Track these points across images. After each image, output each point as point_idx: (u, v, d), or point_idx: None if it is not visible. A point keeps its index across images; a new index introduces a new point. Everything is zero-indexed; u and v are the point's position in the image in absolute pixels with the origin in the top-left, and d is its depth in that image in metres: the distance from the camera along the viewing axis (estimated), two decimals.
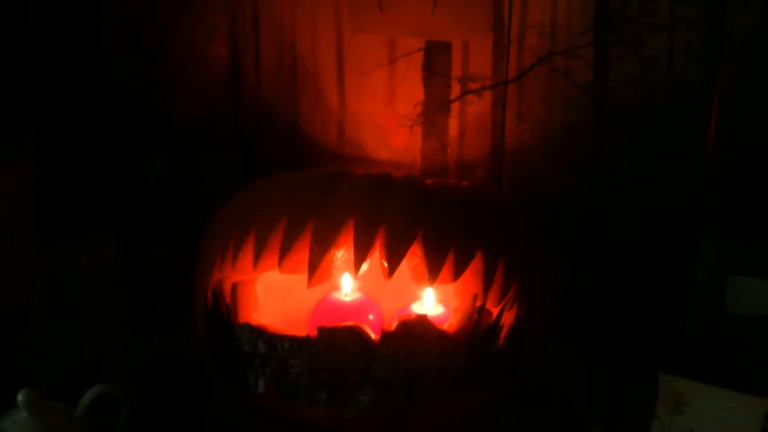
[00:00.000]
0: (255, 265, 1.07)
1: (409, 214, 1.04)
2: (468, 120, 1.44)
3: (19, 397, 0.96)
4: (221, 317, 1.11)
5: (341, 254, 1.07)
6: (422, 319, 1.01)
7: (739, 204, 1.32)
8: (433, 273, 1.02)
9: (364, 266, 1.04)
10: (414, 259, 1.03)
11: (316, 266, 1.04)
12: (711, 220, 1.33)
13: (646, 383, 1.12)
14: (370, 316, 1.17)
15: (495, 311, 1.05)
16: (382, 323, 1.13)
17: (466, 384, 1.05)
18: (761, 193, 1.30)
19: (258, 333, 1.05)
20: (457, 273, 1.03)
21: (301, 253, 1.05)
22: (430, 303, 1.15)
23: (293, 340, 1.03)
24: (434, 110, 1.45)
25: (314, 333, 1.02)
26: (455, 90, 1.44)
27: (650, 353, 1.29)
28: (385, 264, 1.02)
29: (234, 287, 1.11)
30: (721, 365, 1.23)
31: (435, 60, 1.43)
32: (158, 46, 1.46)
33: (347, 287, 1.18)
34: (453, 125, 1.45)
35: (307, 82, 1.52)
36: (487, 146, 1.44)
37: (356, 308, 1.18)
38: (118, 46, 1.47)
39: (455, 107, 1.44)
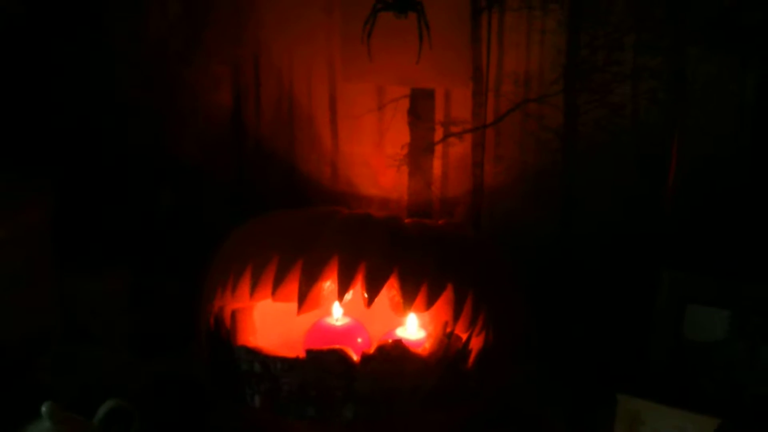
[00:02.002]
0: (252, 294, 1.20)
1: (386, 252, 1.17)
2: (450, 161, 1.53)
3: (43, 408, 1.08)
4: (222, 340, 1.23)
5: (328, 285, 1.19)
6: (398, 344, 1.14)
7: (696, 240, 1.39)
8: (407, 303, 1.15)
9: (348, 296, 1.17)
10: (391, 291, 1.16)
11: (305, 296, 1.17)
12: (670, 255, 1.39)
13: (607, 404, 1.22)
14: (359, 339, 1.29)
15: (464, 337, 1.17)
16: (369, 345, 1.25)
17: (440, 401, 1.16)
18: (717, 230, 1.37)
19: (254, 354, 1.18)
20: (430, 303, 1.16)
21: (292, 285, 1.18)
22: (413, 328, 1.27)
23: (285, 360, 1.16)
24: (419, 151, 1.55)
25: (304, 355, 1.15)
26: (438, 133, 1.53)
27: (615, 376, 1.35)
28: (366, 295, 1.15)
29: (233, 314, 1.23)
30: (681, 387, 1.31)
31: (419, 106, 1.52)
32: (166, 96, 1.53)
33: (338, 313, 1.30)
34: (437, 165, 1.54)
35: (304, 125, 1.62)
36: (468, 184, 1.53)
37: (346, 332, 1.30)
38: (128, 96, 1.54)
39: (438, 149, 1.53)
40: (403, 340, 1.17)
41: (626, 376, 1.34)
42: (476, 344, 1.19)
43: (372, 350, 1.15)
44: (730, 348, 1.29)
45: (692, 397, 1.28)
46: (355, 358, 1.16)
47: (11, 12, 1.42)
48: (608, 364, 1.42)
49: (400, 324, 1.29)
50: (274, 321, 1.30)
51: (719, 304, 1.30)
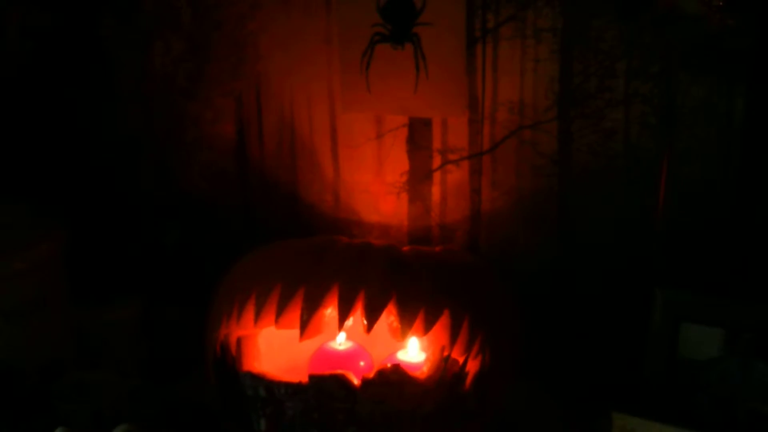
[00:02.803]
0: (256, 322, 1.25)
1: (385, 280, 1.22)
2: (448, 187, 1.56)
3: None
4: (228, 366, 1.28)
5: (329, 312, 1.23)
6: (396, 368, 1.19)
7: (688, 260, 1.41)
8: (405, 329, 1.20)
9: (348, 323, 1.22)
10: (390, 317, 1.21)
11: (306, 323, 1.21)
12: (663, 275, 1.42)
13: (603, 422, 1.26)
14: (361, 363, 1.34)
15: (461, 360, 1.21)
16: (371, 369, 1.27)
17: (439, 422, 1.21)
18: (708, 250, 1.40)
19: (259, 380, 1.23)
20: (427, 328, 1.20)
21: (295, 313, 1.22)
22: (414, 351, 1.31)
23: (288, 385, 1.21)
24: (418, 179, 1.58)
25: (307, 380, 1.20)
26: (436, 160, 1.56)
27: (610, 394, 1.37)
28: (365, 321, 1.20)
29: (238, 341, 1.28)
30: (675, 404, 1.33)
31: (418, 134, 1.56)
32: (171, 130, 1.55)
33: (341, 338, 1.34)
34: (435, 192, 1.57)
35: (306, 155, 1.65)
36: (466, 210, 1.56)
37: (348, 356, 1.34)
38: (135, 132, 1.56)
39: (437, 176, 1.56)
40: (402, 364, 1.21)
41: (621, 394, 1.36)
42: (473, 367, 1.23)
43: (372, 374, 1.19)
44: (723, 365, 1.32)
45: (687, 414, 1.32)
46: (356, 382, 1.20)
47: (22, 52, 1.46)
48: (604, 382, 1.45)
49: (402, 347, 1.33)
50: (280, 346, 1.34)
51: (712, 322, 1.32)
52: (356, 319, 1.23)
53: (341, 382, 1.20)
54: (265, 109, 1.66)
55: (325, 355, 1.35)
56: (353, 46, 1.53)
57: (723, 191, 1.39)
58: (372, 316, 1.20)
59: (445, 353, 1.21)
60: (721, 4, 1.20)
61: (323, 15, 1.57)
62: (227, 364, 1.28)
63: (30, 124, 1.58)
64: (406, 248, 1.33)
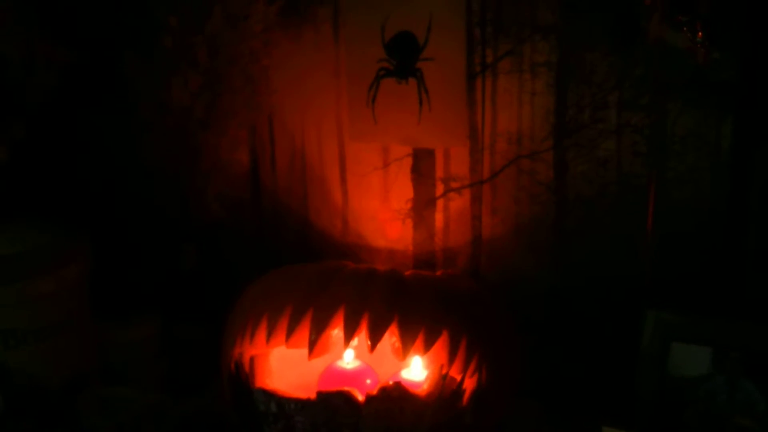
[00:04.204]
0: (267, 341, 1.32)
1: (388, 302, 1.29)
2: (451, 214, 1.61)
3: None
4: (242, 383, 1.35)
5: (336, 333, 1.31)
6: (397, 385, 1.27)
7: (677, 282, 1.45)
8: (406, 348, 1.27)
9: (354, 343, 1.30)
10: (392, 337, 1.28)
11: (314, 343, 1.29)
12: (654, 296, 1.46)
13: None
14: (368, 381, 1.40)
15: (459, 378, 1.29)
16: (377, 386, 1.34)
17: None
18: (696, 273, 1.44)
19: (270, 396, 1.30)
20: (427, 348, 1.27)
21: (304, 333, 1.30)
22: (417, 369, 1.39)
23: (298, 401, 1.28)
24: (423, 206, 1.63)
25: (314, 396, 1.28)
26: (439, 188, 1.60)
27: (603, 410, 1.41)
28: (369, 341, 1.27)
29: (251, 359, 1.35)
30: (665, 421, 1.38)
31: (421, 164, 1.61)
32: (188, 158, 1.60)
33: (349, 357, 1.41)
34: (439, 218, 1.62)
35: (316, 183, 1.70)
36: (468, 235, 1.60)
37: (356, 374, 1.41)
38: (154, 160, 1.60)
39: (440, 203, 1.61)
40: (403, 382, 1.29)
41: (613, 410, 1.40)
42: (470, 384, 1.30)
43: (375, 391, 1.27)
44: (712, 382, 1.37)
45: (676, 430, 1.38)
46: (361, 398, 1.28)
47: (49, 86, 1.51)
48: (596, 398, 1.49)
49: (406, 366, 1.40)
50: (292, 364, 1.41)
51: (700, 341, 1.37)
52: (361, 339, 1.30)
53: (346, 398, 1.27)
54: (277, 139, 1.72)
55: (334, 373, 1.42)
56: (360, 80, 1.59)
57: (712, 217, 1.43)
58: (375, 336, 1.28)
59: (444, 371, 1.29)
60: (705, 41, 1.25)
61: (332, 50, 1.63)
62: (241, 381, 1.35)
63: (57, 153, 1.64)
64: (408, 273, 1.40)
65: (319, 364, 1.39)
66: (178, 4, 1.51)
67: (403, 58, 1.55)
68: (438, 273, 1.48)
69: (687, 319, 1.40)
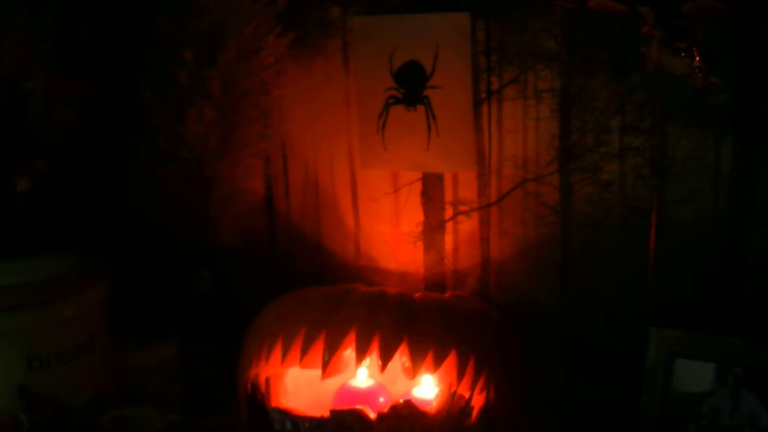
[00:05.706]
0: (282, 362, 1.37)
1: (398, 324, 1.34)
2: (460, 236, 1.64)
3: None
4: (258, 403, 1.40)
5: (348, 353, 1.36)
6: (408, 403, 1.32)
7: (680, 300, 1.48)
8: (416, 367, 1.32)
9: (365, 362, 1.35)
10: (403, 357, 1.33)
11: (327, 363, 1.34)
12: (658, 314, 1.48)
13: None
14: (381, 399, 1.45)
15: (467, 395, 1.33)
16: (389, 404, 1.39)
17: None
18: (698, 291, 1.48)
19: (285, 414, 1.36)
20: (436, 367, 1.32)
21: (317, 353, 1.35)
22: (428, 388, 1.43)
23: (312, 420, 1.34)
24: (432, 229, 1.66)
25: (328, 414, 1.33)
26: (448, 212, 1.64)
27: (610, 425, 1.49)
28: (380, 361, 1.32)
29: (267, 380, 1.41)
30: None
31: (431, 188, 1.65)
32: (204, 187, 1.63)
33: (362, 376, 1.46)
34: (448, 241, 1.65)
35: (328, 208, 1.74)
36: (477, 257, 1.64)
37: (369, 393, 1.46)
38: (172, 189, 1.63)
39: (449, 226, 1.65)
40: (414, 400, 1.34)
41: (620, 425, 1.46)
42: (478, 402, 1.35)
43: (386, 409, 1.32)
44: (715, 397, 1.40)
45: None
46: (373, 416, 1.32)
47: (69, 119, 1.55)
48: (603, 413, 1.53)
49: (418, 384, 1.44)
50: (306, 384, 1.46)
51: (703, 357, 1.41)
52: (372, 359, 1.35)
53: (359, 416, 1.32)
54: (290, 167, 1.77)
55: (348, 392, 1.47)
56: (370, 108, 1.64)
57: (712, 236, 1.46)
58: (386, 356, 1.33)
59: (452, 389, 1.33)
60: (702, 65, 1.30)
61: (342, 80, 1.68)
62: (257, 400, 1.41)
63: (78, 183, 1.68)
64: (417, 295, 1.46)
65: (332, 383, 1.44)
66: (193, 40, 1.56)
67: (412, 86, 1.59)
68: (447, 294, 1.53)
69: (689, 336, 1.43)
